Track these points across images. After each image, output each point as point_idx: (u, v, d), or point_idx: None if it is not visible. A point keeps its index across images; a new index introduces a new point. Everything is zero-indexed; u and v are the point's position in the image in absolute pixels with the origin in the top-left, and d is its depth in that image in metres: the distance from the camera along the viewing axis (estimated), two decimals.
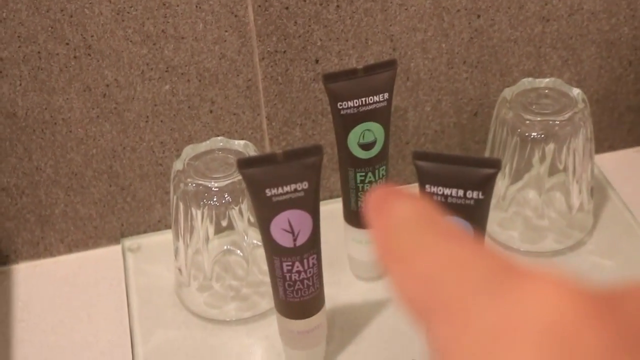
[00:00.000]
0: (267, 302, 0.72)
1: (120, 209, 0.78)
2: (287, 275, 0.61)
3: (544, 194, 0.74)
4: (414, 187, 0.82)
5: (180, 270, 0.72)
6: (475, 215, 0.58)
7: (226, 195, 0.67)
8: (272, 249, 0.60)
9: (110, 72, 0.71)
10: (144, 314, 0.73)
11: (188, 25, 0.70)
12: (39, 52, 0.68)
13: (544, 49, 0.78)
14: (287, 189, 0.58)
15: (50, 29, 0.68)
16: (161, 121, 0.74)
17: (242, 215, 0.69)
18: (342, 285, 0.74)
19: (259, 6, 0.70)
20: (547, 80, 0.74)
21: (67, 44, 0.69)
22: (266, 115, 0.76)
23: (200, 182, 0.67)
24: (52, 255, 0.79)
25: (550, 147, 0.71)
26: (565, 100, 0.72)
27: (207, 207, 0.67)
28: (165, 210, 0.79)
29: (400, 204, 0.22)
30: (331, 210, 0.75)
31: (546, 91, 0.73)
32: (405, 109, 0.78)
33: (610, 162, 0.85)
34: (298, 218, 0.59)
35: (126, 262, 0.78)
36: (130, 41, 0.70)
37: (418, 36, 0.75)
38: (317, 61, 0.74)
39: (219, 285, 0.72)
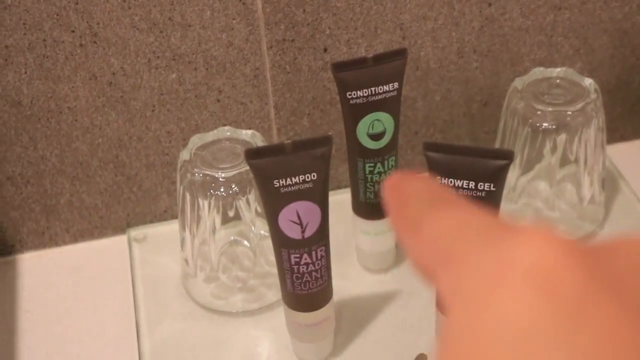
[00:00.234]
0: (274, 293, 0.71)
1: (126, 198, 0.77)
2: (295, 267, 0.60)
3: (554, 185, 0.73)
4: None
5: (186, 261, 0.71)
6: (486, 207, 0.57)
7: (233, 186, 0.66)
8: (280, 240, 0.59)
9: (116, 61, 0.70)
10: (150, 305, 0.72)
11: (195, 13, 0.69)
12: (44, 40, 0.68)
13: (556, 38, 0.77)
14: (295, 180, 0.57)
15: (55, 16, 0.67)
16: (168, 110, 0.73)
17: (250, 206, 0.68)
18: (350, 277, 0.73)
19: None
20: (559, 69, 0.73)
21: (73, 31, 0.68)
22: (274, 104, 0.75)
23: (207, 172, 0.66)
24: (57, 245, 0.78)
25: (561, 138, 0.70)
26: (578, 90, 0.71)
27: (214, 197, 0.66)
28: (172, 201, 0.78)
29: (413, 182, 0.25)
30: (339, 200, 0.74)
31: (558, 81, 0.72)
32: (414, 98, 0.77)
33: (622, 153, 0.84)
34: (306, 209, 0.58)
35: (132, 253, 0.77)
36: (137, 29, 0.69)
37: (428, 25, 0.74)
38: (325, 50, 0.73)
39: (225, 276, 0.71)
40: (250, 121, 0.75)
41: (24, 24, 0.66)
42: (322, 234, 0.60)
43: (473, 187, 0.57)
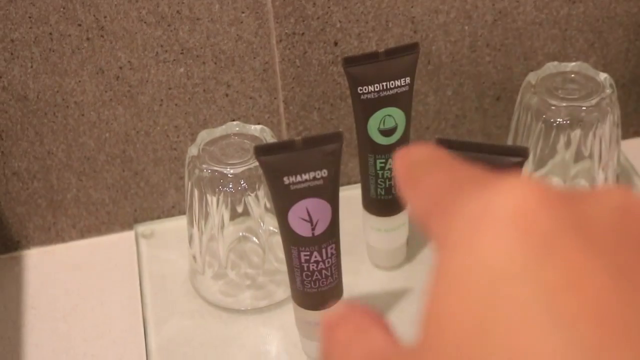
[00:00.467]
0: (283, 290, 0.70)
1: (133, 194, 0.76)
2: (305, 265, 0.59)
3: (568, 180, 0.72)
4: None
5: (194, 257, 0.70)
6: None
7: (242, 182, 0.65)
8: (290, 238, 0.58)
9: (123, 54, 0.69)
10: (157, 302, 0.71)
11: (203, 6, 0.68)
12: (50, 34, 0.67)
13: (570, 32, 0.76)
14: (305, 177, 0.56)
15: (62, 9, 0.66)
16: (176, 105, 0.72)
17: (259, 202, 0.67)
18: (360, 274, 0.72)
19: None
20: (573, 64, 0.71)
21: (80, 25, 0.67)
22: (283, 99, 0.74)
23: (215, 168, 0.65)
24: (64, 240, 0.77)
25: (575, 133, 0.69)
26: (592, 85, 0.70)
27: (222, 193, 0.65)
28: (180, 196, 0.77)
29: (418, 149, 0.27)
30: (348, 196, 0.73)
31: (572, 75, 0.71)
32: (425, 93, 0.76)
33: (636, 149, 0.83)
34: (317, 207, 0.57)
35: (139, 249, 0.76)
36: (144, 22, 0.68)
37: (440, 18, 0.72)
38: (336, 43, 0.72)
39: (234, 273, 0.70)
40: (259, 116, 0.74)
41: (29, 17, 0.65)
42: (332, 232, 0.59)
43: None
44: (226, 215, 0.67)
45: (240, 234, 0.70)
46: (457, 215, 0.22)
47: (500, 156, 0.55)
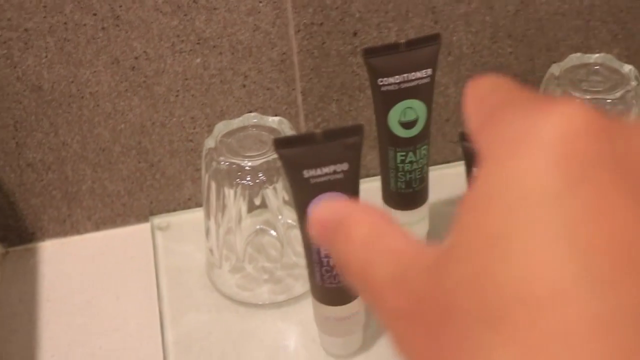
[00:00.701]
0: (301, 285, 0.69)
1: (149, 186, 0.75)
2: (325, 260, 0.58)
3: None
4: (455, 167, 0.79)
5: (211, 250, 0.69)
6: None
7: (260, 175, 0.64)
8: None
9: (139, 44, 0.68)
10: (173, 296, 0.70)
11: None
12: (65, 23, 0.65)
13: (593, 23, 0.74)
14: (325, 170, 0.55)
15: None
16: (192, 95, 0.71)
17: (277, 194, 0.66)
18: None
19: None
20: (597, 55, 0.70)
21: (95, 14, 0.66)
22: (301, 90, 0.72)
23: (233, 160, 0.64)
24: (79, 232, 0.76)
25: None
26: (617, 77, 0.69)
27: (240, 186, 0.64)
28: (196, 188, 0.76)
29: (489, 75, 0.27)
30: (367, 189, 0.72)
31: (596, 67, 0.70)
32: (446, 84, 0.75)
33: None
34: None
35: (155, 241, 0.75)
36: (160, 12, 0.66)
37: (461, 8, 0.71)
38: (355, 34, 0.71)
39: (251, 267, 0.69)
40: (276, 107, 0.73)
41: (44, 6, 0.64)
42: None
43: None
44: (243, 208, 0.66)
45: (258, 226, 0.69)
46: (506, 130, 0.23)
47: None
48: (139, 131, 0.72)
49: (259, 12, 0.68)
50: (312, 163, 0.54)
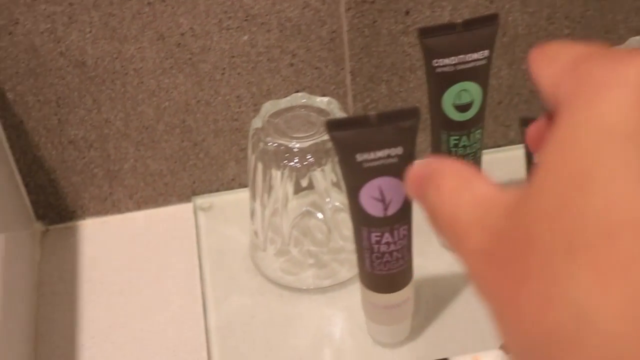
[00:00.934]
0: (347, 270, 0.67)
1: (192, 165, 0.74)
2: (375, 246, 0.56)
3: None
4: (506, 151, 0.77)
5: (256, 233, 0.67)
6: None
7: (309, 156, 0.62)
8: (361, 218, 0.55)
9: (185, 20, 0.66)
10: (216, 278, 0.69)
11: None
12: None
13: None
14: (379, 154, 0.53)
15: None
16: (238, 74, 0.69)
17: (325, 176, 0.64)
18: (428, 255, 0.69)
19: None
20: None
21: None
22: (350, 69, 0.70)
23: (280, 141, 0.62)
24: (120, 211, 0.75)
25: None
26: None
27: (287, 168, 0.63)
28: (240, 168, 0.74)
29: (551, 42, 0.28)
30: None
31: None
32: (499, 66, 0.72)
33: None
34: (390, 186, 0.54)
35: (197, 222, 0.74)
36: None
37: None
38: (407, 13, 0.68)
39: (297, 250, 0.67)
40: (324, 87, 0.71)
41: None
42: (405, 212, 0.56)
43: None
44: (290, 190, 0.64)
45: (305, 208, 0.67)
46: (590, 76, 0.24)
47: None
48: (183, 109, 0.70)
49: None
50: (366, 146, 0.52)
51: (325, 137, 0.61)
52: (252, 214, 0.67)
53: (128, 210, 0.75)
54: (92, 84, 0.68)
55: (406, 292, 0.60)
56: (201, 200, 0.75)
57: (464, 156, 0.64)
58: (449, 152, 0.63)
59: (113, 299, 0.68)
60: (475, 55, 0.60)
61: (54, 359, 0.64)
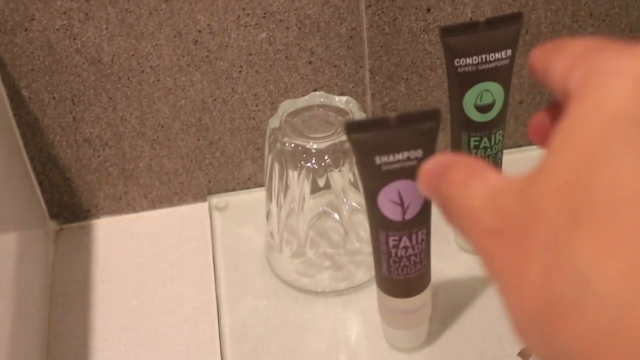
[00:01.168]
0: (363, 272, 0.66)
1: (208, 164, 0.73)
2: (393, 250, 0.55)
3: None
4: (526, 152, 0.75)
5: (272, 234, 0.66)
6: None
7: (326, 157, 0.61)
8: (378, 221, 0.54)
9: (203, 17, 0.65)
10: (231, 279, 0.68)
11: None
12: None
13: None
14: (398, 157, 0.51)
15: None
16: (256, 72, 0.68)
17: (343, 177, 0.63)
18: (446, 258, 0.68)
19: None
20: None
21: None
22: (369, 68, 0.69)
23: (298, 142, 0.61)
24: (134, 210, 0.74)
25: None
26: None
27: (304, 169, 0.61)
28: (256, 168, 0.73)
29: (558, 38, 0.29)
30: None
31: None
32: (521, 65, 0.71)
33: None
34: (409, 189, 0.52)
35: (213, 221, 0.73)
36: None
37: None
38: (428, 10, 0.67)
39: (313, 252, 0.66)
40: (343, 85, 0.70)
41: None
42: (424, 216, 0.54)
43: None
44: (307, 190, 0.63)
45: (321, 209, 0.66)
46: (598, 68, 0.25)
47: None
48: (199, 107, 0.69)
49: None
50: (385, 149, 0.51)
51: (343, 137, 0.60)
52: (268, 214, 0.66)
53: (143, 209, 0.74)
54: (107, 82, 0.67)
55: (424, 297, 0.58)
56: (216, 200, 0.74)
57: (484, 158, 0.62)
58: (469, 154, 0.62)
59: (126, 299, 0.67)
60: (497, 55, 0.59)
61: None
